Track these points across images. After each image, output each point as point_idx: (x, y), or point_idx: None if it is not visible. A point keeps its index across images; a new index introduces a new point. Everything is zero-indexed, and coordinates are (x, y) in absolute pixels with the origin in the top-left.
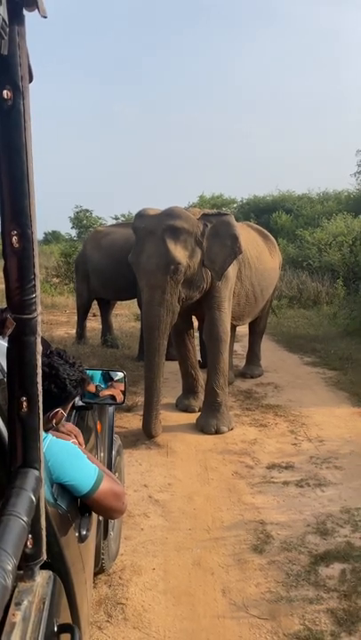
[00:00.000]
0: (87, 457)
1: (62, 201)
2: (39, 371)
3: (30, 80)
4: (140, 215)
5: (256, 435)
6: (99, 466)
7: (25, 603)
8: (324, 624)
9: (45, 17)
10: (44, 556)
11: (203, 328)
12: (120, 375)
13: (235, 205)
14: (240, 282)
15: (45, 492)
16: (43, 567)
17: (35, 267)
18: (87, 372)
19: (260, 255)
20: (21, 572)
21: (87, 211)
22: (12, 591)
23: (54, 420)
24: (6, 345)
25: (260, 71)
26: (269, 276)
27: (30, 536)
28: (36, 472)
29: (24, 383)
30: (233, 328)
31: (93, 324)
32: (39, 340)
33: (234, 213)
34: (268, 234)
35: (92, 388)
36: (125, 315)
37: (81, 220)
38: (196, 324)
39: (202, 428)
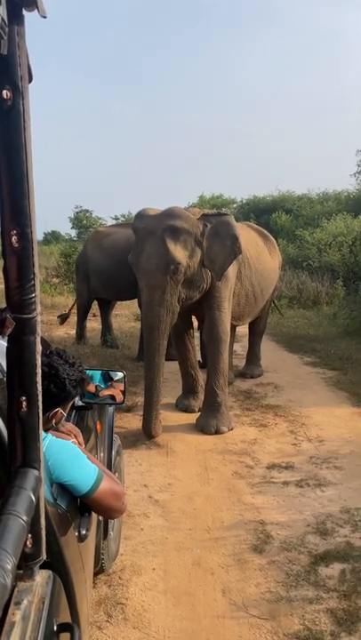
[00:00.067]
0: (87, 457)
1: (62, 201)
2: (39, 370)
3: (30, 80)
4: (140, 215)
5: (256, 435)
6: (98, 466)
7: (24, 602)
8: (324, 624)
9: (45, 17)
10: (44, 556)
11: (203, 328)
12: (120, 375)
13: (235, 205)
14: (240, 282)
15: (45, 491)
16: (42, 567)
17: (34, 266)
18: (87, 371)
19: (260, 255)
20: (21, 571)
21: (87, 211)
22: (12, 590)
23: (54, 420)
24: (6, 344)
25: (260, 71)
26: (269, 277)
27: (30, 535)
28: (36, 472)
29: (24, 383)
30: (233, 328)
31: (93, 324)
32: (39, 339)
33: (234, 213)
34: (268, 234)
35: (91, 387)
36: (125, 315)
37: (81, 220)
38: (196, 324)
39: (202, 428)
